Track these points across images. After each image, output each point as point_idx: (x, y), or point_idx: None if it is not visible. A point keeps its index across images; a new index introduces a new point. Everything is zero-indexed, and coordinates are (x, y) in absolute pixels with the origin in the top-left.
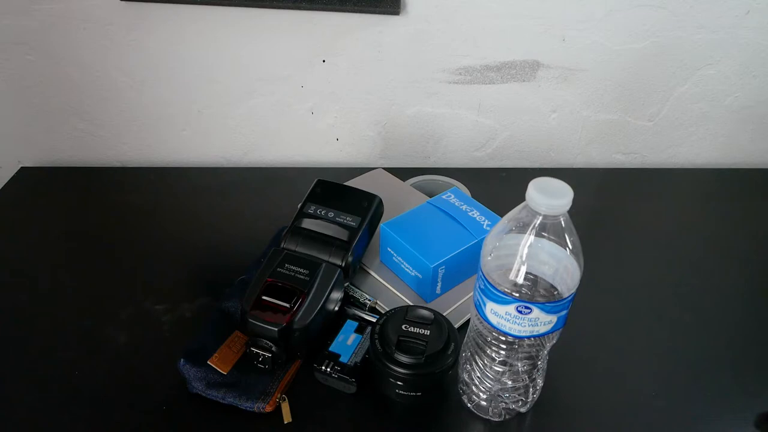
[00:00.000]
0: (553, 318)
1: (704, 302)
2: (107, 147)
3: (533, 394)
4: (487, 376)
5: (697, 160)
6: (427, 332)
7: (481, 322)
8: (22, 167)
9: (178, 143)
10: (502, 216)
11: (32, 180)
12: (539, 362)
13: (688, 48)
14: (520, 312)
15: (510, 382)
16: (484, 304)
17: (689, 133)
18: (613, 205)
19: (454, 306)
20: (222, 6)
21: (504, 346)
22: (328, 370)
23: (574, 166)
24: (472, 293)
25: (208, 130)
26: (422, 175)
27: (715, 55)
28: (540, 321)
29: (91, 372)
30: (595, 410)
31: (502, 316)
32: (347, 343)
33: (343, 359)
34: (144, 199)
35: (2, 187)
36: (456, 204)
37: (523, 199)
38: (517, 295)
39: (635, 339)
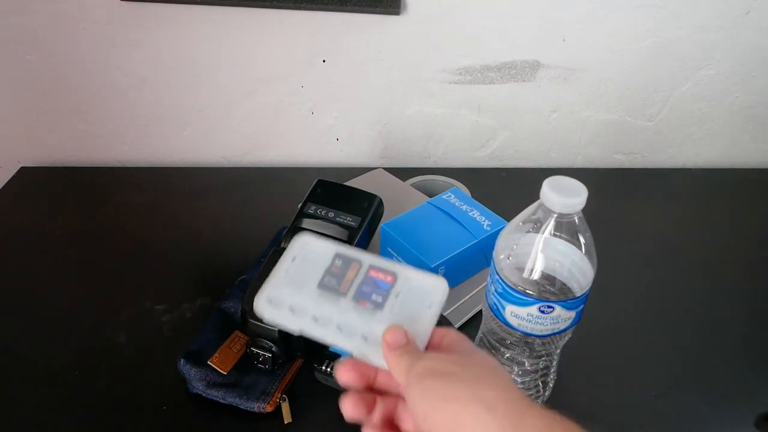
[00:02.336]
0: (572, 314)
1: (704, 302)
2: (107, 147)
3: (545, 392)
4: None
5: (697, 160)
6: None
7: (500, 326)
8: (22, 167)
9: (179, 143)
10: (502, 216)
11: (32, 180)
12: (553, 360)
13: (688, 48)
14: (542, 312)
15: (525, 381)
16: (503, 308)
17: (689, 133)
18: (613, 205)
19: (455, 306)
20: (222, 6)
21: (522, 347)
22: (329, 369)
23: (574, 166)
24: (472, 293)
25: (208, 130)
26: (422, 175)
27: (715, 55)
28: (561, 318)
29: (91, 372)
30: (596, 410)
31: (523, 317)
32: None
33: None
34: (144, 199)
35: (2, 187)
36: (456, 204)
37: (523, 199)
38: (537, 295)
39: (635, 339)
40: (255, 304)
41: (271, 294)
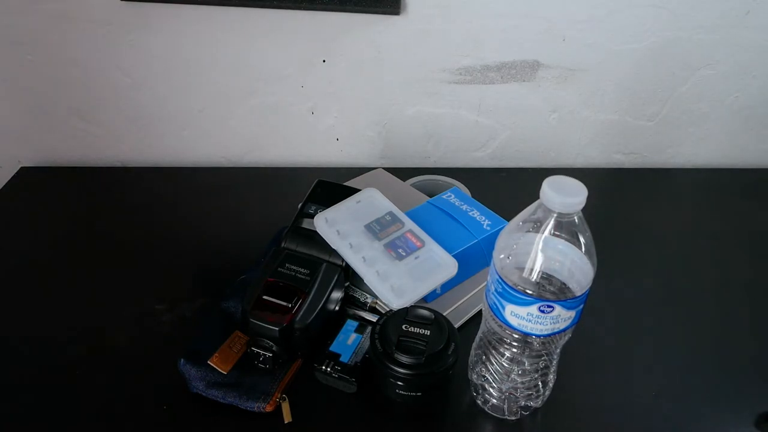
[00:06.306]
0: (572, 313)
1: (704, 302)
2: (107, 147)
3: (545, 392)
4: (503, 377)
5: (697, 160)
6: (428, 332)
7: (500, 326)
8: (22, 167)
9: (179, 143)
10: (502, 216)
11: (32, 180)
12: (553, 360)
13: (688, 48)
14: (542, 311)
15: (524, 381)
16: (503, 308)
17: (689, 133)
18: (613, 205)
19: (454, 306)
20: (222, 6)
21: (522, 346)
22: (329, 369)
23: (574, 166)
24: (472, 293)
25: (208, 130)
26: (422, 175)
27: (715, 55)
28: (561, 318)
29: (91, 372)
30: (596, 410)
31: (523, 317)
32: (347, 342)
33: (344, 359)
34: (144, 199)
35: (2, 187)
36: (456, 204)
37: (523, 199)
38: (537, 294)
39: (635, 338)
40: (315, 219)
41: (330, 216)
